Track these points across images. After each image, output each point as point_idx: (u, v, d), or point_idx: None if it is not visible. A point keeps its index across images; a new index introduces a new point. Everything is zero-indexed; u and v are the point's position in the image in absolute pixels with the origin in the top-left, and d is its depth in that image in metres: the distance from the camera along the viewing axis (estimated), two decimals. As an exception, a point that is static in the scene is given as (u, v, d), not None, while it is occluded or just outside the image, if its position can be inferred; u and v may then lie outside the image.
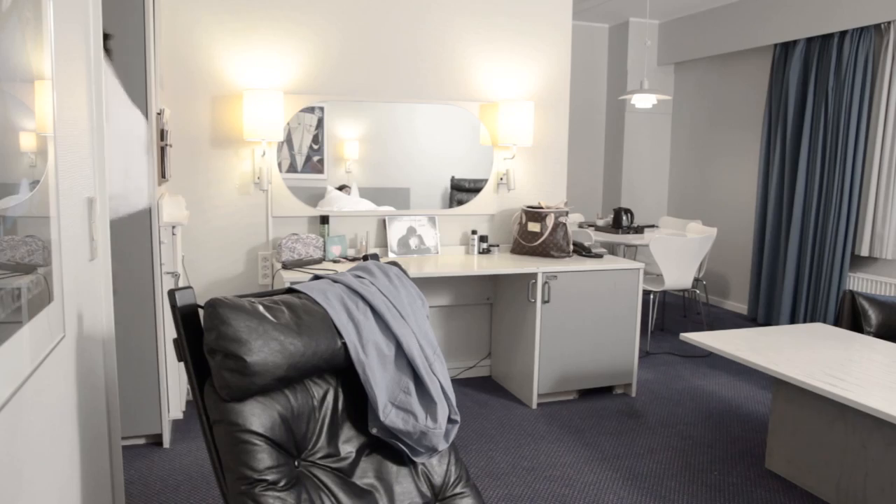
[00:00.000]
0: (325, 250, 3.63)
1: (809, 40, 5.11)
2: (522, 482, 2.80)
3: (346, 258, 3.69)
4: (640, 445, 3.18)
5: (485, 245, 4.00)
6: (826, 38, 4.95)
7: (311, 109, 3.73)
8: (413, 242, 3.88)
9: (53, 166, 1.25)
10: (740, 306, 6.04)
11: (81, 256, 1.52)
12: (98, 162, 1.68)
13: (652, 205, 6.90)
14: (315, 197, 3.80)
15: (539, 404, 3.67)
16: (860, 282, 4.90)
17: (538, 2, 4.09)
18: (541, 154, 4.22)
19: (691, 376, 4.21)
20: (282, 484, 1.34)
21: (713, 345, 2.83)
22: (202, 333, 1.41)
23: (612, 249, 5.45)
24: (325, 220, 3.73)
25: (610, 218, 5.71)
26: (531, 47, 4.11)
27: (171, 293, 1.43)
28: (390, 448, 1.57)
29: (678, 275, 4.73)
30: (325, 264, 3.55)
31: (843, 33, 4.81)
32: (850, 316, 3.28)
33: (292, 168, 3.73)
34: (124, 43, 2.73)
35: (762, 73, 5.74)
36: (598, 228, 5.58)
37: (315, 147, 3.78)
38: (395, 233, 3.86)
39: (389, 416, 1.51)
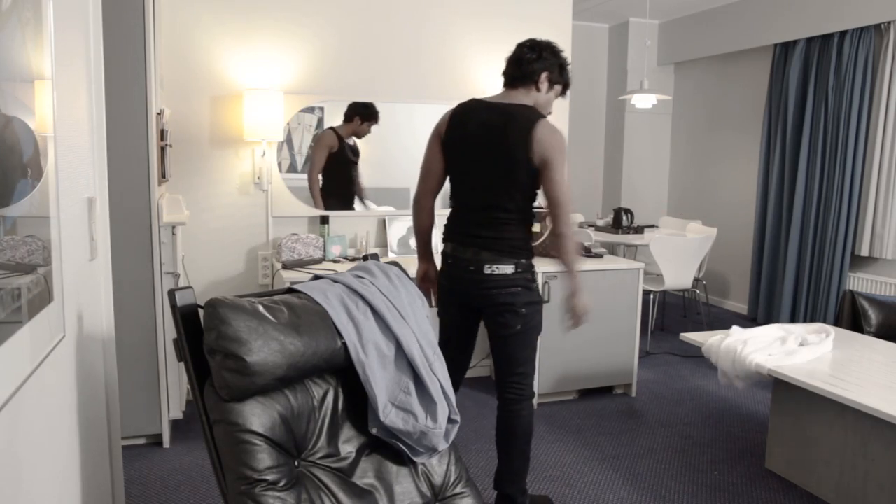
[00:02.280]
0: (325, 250, 3.63)
1: (809, 40, 5.11)
2: (522, 482, 2.80)
3: (346, 258, 3.69)
4: (640, 445, 3.18)
5: (485, 245, 3.99)
6: (826, 38, 4.95)
7: (311, 109, 3.73)
8: (413, 242, 3.88)
9: (53, 166, 1.25)
10: (740, 306, 6.04)
11: (81, 256, 1.52)
12: (98, 162, 1.68)
13: (652, 205, 6.90)
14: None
15: (539, 404, 3.67)
16: (860, 282, 4.90)
17: (538, 2, 4.09)
18: (541, 154, 4.21)
19: (691, 376, 4.21)
20: (282, 484, 1.34)
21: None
22: (202, 333, 1.41)
23: (612, 249, 5.45)
24: (325, 220, 3.73)
25: (610, 218, 5.71)
26: (531, 47, 4.11)
27: (171, 293, 1.43)
28: (390, 448, 1.57)
29: (678, 275, 4.73)
30: (325, 264, 3.55)
31: (843, 33, 4.80)
32: (850, 316, 3.28)
33: (292, 168, 3.73)
34: (124, 43, 2.73)
35: (762, 73, 5.74)
36: (598, 228, 5.58)
37: (315, 147, 3.78)
38: (395, 233, 3.86)
39: (389, 416, 1.51)
